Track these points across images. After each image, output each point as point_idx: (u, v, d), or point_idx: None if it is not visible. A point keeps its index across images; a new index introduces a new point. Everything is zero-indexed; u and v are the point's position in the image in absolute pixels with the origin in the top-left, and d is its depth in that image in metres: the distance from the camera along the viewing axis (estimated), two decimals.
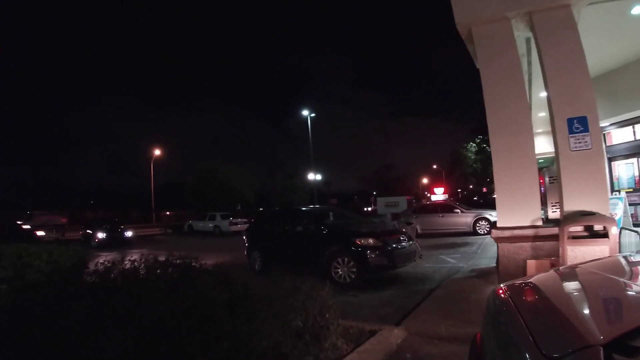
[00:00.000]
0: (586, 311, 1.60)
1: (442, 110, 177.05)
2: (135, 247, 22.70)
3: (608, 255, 5.67)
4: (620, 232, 7.46)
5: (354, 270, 8.94)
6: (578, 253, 5.78)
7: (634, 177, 15.40)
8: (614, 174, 16.18)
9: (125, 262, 4.72)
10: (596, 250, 5.67)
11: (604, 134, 15.95)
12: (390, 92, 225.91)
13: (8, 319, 3.08)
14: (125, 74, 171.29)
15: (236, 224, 33.21)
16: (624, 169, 15.92)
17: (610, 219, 5.95)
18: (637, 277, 2.12)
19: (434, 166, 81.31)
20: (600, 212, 6.24)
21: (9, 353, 2.63)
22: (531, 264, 6.72)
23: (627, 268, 2.34)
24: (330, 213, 11.33)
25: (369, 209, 53.95)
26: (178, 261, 4.68)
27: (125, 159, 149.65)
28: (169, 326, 2.89)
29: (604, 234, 5.76)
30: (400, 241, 9.59)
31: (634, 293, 1.74)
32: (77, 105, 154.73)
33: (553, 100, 7.04)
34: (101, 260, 4.94)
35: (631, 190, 15.20)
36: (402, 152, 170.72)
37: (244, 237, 12.62)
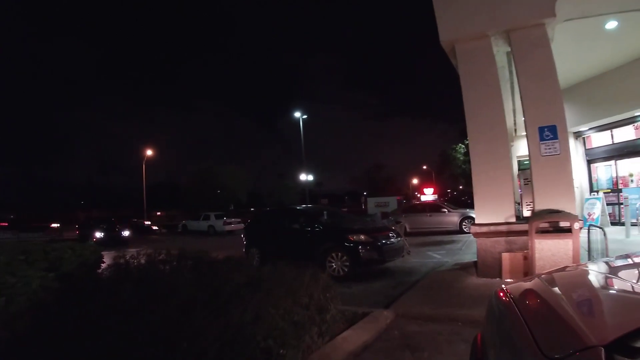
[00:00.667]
0: (587, 312, 1.63)
1: (432, 111, 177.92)
2: (133, 246, 23.15)
3: (571, 248, 6.49)
4: (589, 229, 8.30)
5: (347, 264, 9.69)
6: (545, 246, 6.59)
7: (612, 178, 16.27)
8: (593, 176, 17.08)
9: (141, 256, 5.40)
10: (560, 243, 6.48)
11: (584, 138, 16.91)
12: (381, 92, 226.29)
13: (78, 297, 3.78)
14: (116, 72, 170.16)
15: (230, 223, 33.95)
16: (603, 171, 16.80)
17: (574, 216, 6.75)
18: (639, 277, 2.12)
19: (424, 167, 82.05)
20: (567, 210, 7.05)
21: (81, 320, 3.30)
22: (506, 256, 7.54)
23: (627, 269, 2.35)
24: (324, 212, 12.08)
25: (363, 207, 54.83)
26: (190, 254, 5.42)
27: (115, 158, 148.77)
28: (202, 300, 3.60)
29: (568, 229, 6.55)
30: (389, 237, 10.40)
31: (635, 294, 1.75)
32: (67, 103, 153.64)
33: (526, 110, 7.88)
34: (116, 255, 5.59)
35: (609, 191, 16.09)
36: (393, 152, 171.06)
37: (242, 236, 13.25)
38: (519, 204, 9.16)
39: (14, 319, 3.21)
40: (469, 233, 18.41)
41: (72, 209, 66.11)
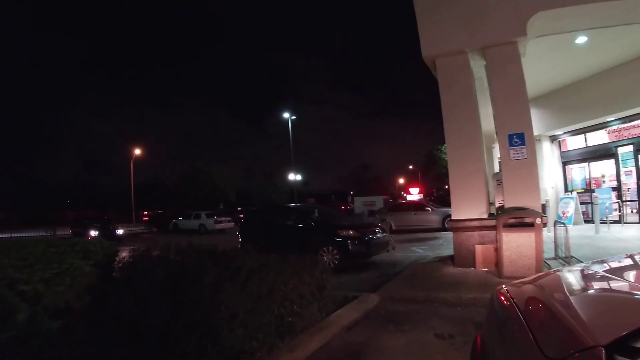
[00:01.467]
0: (588, 312, 1.60)
1: (418, 111, 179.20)
2: (128, 244, 23.72)
3: (534, 240, 7.45)
4: (555, 225, 9.30)
5: (337, 257, 10.59)
6: (511, 239, 7.56)
7: (585, 179, 17.36)
8: (568, 177, 18.19)
9: (154, 249, 6.25)
10: (525, 236, 7.46)
11: (559, 141, 18.00)
12: (369, 92, 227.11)
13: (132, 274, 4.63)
14: (102, 69, 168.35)
15: (221, 222, 34.78)
16: (577, 172, 17.91)
17: (536, 213, 7.71)
18: (638, 278, 2.12)
19: (410, 166, 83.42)
20: (532, 207, 8.02)
21: (136, 294, 4.11)
22: (479, 248, 8.53)
23: (626, 270, 2.36)
24: (316, 209, 13.00)
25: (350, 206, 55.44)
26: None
27: (100, 157, 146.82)
28: (227, 278, 4.47)
29: (531, 224, 7.51)
30: (375, 233, 11.35)
31: (634, 294, 1.76)
32: (52, 101, 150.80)
33: (497, 119, 8.89)
34: (131, 248, 6.38)
35: (582, 190, 17.21)
36: (380, 152, 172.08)
37: (238, 233, 14.05)
38: (492, 203, 10.13)
39: (80, 294, 4.01)
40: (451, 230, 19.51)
41: (59, 208, 65.47)
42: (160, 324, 3.38)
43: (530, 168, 8.63)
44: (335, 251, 10.65)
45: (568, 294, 2.01)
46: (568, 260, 8.25)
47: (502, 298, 2.05)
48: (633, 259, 2.44)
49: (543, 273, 2.52)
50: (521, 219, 7.62)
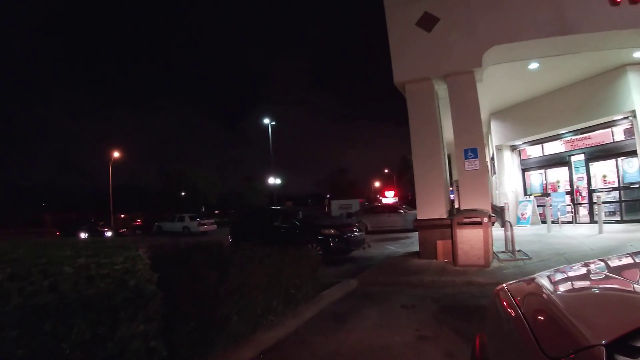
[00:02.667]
0: (588, 311, 1.61)
1: (393, 116, 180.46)
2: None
3: (482, 235, 9.18)
4: (505, 224, 11.07)
5: (320, 252, 11.86)
6: (464, 234, 9.31)
7: (542, 184, 19.33)
8: (527, 182, 20.18)
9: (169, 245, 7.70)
10: (474, 232, 9.20)
11: (519, 150, 19.97)
12: (344, 96, 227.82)
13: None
14: (75, 68, 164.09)
15: (204, 224, 35.82)
16: (535, 178, 19.91)
17: (485, 213, 9.45)
18: (639, 276, 2.08)
19: (386, 170, 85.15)
20: (482, 209, 9.76)
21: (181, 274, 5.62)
22: (439, 243, 10.29)
23: (628, 268, 2.35)
24: (300, 211, 14.64)
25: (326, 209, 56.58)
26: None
27: (74, 158, 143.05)
28: (239, 264, 6.03)
29: (480, 222, 9.25)
30: (353, 232, 13.04)
31: (636, 292, 1.75)
32: (21, 100, 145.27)
33: (455, 136, 10.67)
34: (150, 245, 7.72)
35: (539, 194, 19.17)
36: (356, 156, 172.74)
37: (229, 233, 15.44)
38: (453, 206, 12.03)
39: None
40: None
41: (35, 210, 64.68)
42: (210, 291, 4.92)
43: (481, 177, 10.46)
44: (318, 247, 12.03)
45: (569, 293, 2.06)
46: (514, 253, 9.94)
47: (503, 297, 2.04)
48: (633, 258, 2.43)
49: (544, 272, 2.40)
50: (472, 218, 9.36)
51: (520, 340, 1.54)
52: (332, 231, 12.48)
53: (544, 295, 1.89)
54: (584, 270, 2.39)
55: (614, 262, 2.44)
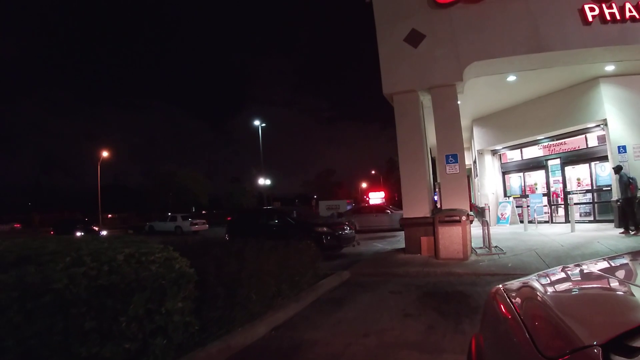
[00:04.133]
0: (585, 311, 1.61)
1: (380, 117, 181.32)
2: None
3: (461, 232, 10.22)
4: (483, 223, 12.12)
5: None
6: (445, 231, 10.37)
7: (521, 186, 20.49)
8: (507, 184, 21.36)
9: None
10: (453, 229, 10.27)
11: (500, 154, 21.12)
12: (331, 97, 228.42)
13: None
14: (59, 65, 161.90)
15: (196, 224, 36.40)
16: (515, 180, 21.08)
17: (463, 212, 10.50)
18: (636, 276, 2.13)
19: (373, 171, 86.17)
20: (461, 208, 10.80)
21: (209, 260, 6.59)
22: (423, 239, 11.34)
23: (623, 268, 2.36)
24: (294, 211, 15.64)
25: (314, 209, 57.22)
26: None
27: (60, 158, 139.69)
28: (254, 253, 6.99)
29: (459, 220, 10.32)
30: (344, 229, 14.02)
31: (632, 293, 1.73)
32: (5, 97, 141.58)
33: (438, 142, 11.78)
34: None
35: (518, 196, 20.36)
36: (343, 157, 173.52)
37: (226, 232, 16.26)
38: (435, 206, 13.17)
39: None
40: None
41: (21, 210, 63.94)
42: (232, 275, 5.88)
43: (461, 180, 11.56)
44: (312, 244, 13.02)
45: (565, 294, 2.06)
46: (490, 249, 11.04)
47: (499, 297, 2.02)
48: (629, 259, 2.45)
49: (541, 272, 2.43)
50: (452, 217, 10.42)
51: (517, 340, 1.52)
52: (325, 229, 13.42)
53: (540, 296, 1.89)
54: (579, 271, 2.39)
55: (609, 263, 2.44)
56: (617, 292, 1.87)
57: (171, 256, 4.85)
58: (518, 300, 1.87)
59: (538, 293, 1.94)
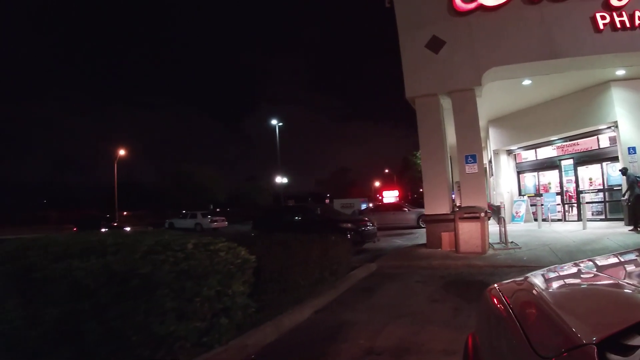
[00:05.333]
0: (580, 310, 1.58)
1: (393, 115, 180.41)
2: None
3: (480, 228, 10.90)
4: (500, 220, 12.79)
5: None
6: (465, 227, 11.06)
7: (535, 185, 21.03)
8: (521, 183, 21.88)
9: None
10: (473, 225, 10.95)
11: (515, 154, 21.69)
12: (346, 95, 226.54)
13: None
14: (73, 65, 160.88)
15: (215, 221, 37.25)
16: (529, 180, 21.59)
17: (482, 209, 11.19)
18: (631, 275, 2.04)
19: (386, 170, 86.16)
20: (479, 206, 11.51)
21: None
22: (444, 234, 12.07)
23: (618, 266, 2.37)
24: (319, 208, 16.38)
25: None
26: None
27: (74, 156, 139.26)
28: (300, 243, 7.71)
29: (477, 217, 11.00)
30: (367, 225, 14.77)
31: (627, 291, 1.73)
32: (19, 97, 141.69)
33: (458, 143, 12.52)
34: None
35: (533, 195, 20.82)
36: (357, 155, 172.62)
37: (252, 228, 17.04)
38: (453, 203, 13.93)
39: None
40: (424, 228, 22.68)
41: (38, 208, 63.21)
42: (283, 263, 6.63)
43: (479, 179, 12.33)
44: (344, 237, 13.60)
45: (560, 292, 2.05)
46: (507, 244, 11.74)
47: (494, 296, 2.00)
48: (624, 258, 2.46)
49: (536, 271, 2.40)
50: (471, 214, 11.13)
51: (512, 339, 1.52)
52: (349, 225, 14.18)
53: (535, 294, 1.85)
54: (575, 270, 2.37)
55: (605, 261, 2.45)
56: (613, 290, 1.84)
57: (232, 245, 5.42)
58: (513, 298, 1.87)
59: (532, 291, 1.91)
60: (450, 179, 14.37)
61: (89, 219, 35.00)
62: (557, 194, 19.46)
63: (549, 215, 18.35)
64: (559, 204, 19.30)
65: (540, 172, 20.96)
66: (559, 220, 18.77)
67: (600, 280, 2.09)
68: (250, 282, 5.36)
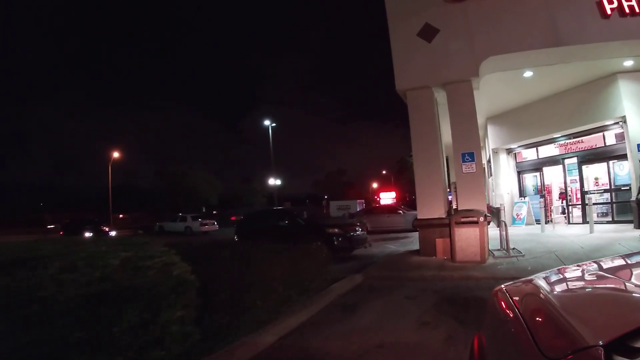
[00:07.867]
0: (586, 312, 1.59)
1: (390, 117, 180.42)
2: None
3: (478, 233, 9.83)
4: (500, 224, 11.72)
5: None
6: (462, 233, 9.97)
7: (537, 186, 19.99)
8: (522, 184, 20.83)
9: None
10: (470, 231, 9.87)
11: (515, 153, 20.67)
12: (344, 97, 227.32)
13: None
14: (72, 67, 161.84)
15: (206, 224, 36.28)
16: (530, 180, 20.58)
17: (481, 213, 10.12)
18: (638, 277, 1.99)
19: (384, 171, 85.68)
20: (478, 209, 10.41)
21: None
22: (439, 241, 10.95)
23: (624, 269, 2.30)
24: (304, 212, 15.30)
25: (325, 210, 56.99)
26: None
27: (71, 158, 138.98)
28: (261, 258, 6.70)
29: (476, 222, 9.92)
30: (356, 230, 13.65)
31: (634, 293, 1.74)
32: (18, 100, 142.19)
33: (454, 140, 11.38)
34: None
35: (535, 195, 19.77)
36: (353, 156, 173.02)
37: (235, 233, 15.96)
38: (450, 206, 12.79)
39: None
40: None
41: (33, 210, 63.56)
42: (237, 281, 5.59)
43: (478, 179, 11.16)
44: (322, 246, 12.72)
45: (567, 294, 2.05)
46: (508, 251, 10.62)
47: (501, 298, 2.03)
48: (631, 260, 2.43)
49: (541, 273, 2.40)
50: (469, 218, 10.03)
51: (519, 341, 1.53)
52: (336, 230, 13.08)
53: (542, 296, 1.86)
54: (581, 272, 2.40)
55: (612, 263, 2.44)
56: (619, 293, 1.85)
57: (171, 261, 4.68)
58: (519, 300, 1.90)
59: (539, 293, 1.93)
60: (446, 180, 13.25)
61: (77, 223, 33.94)
62: (561, 194, 18.58)
63: (553, 217, 17.34)
64: (561, 206, 18.42)
65: (542, 172, 19.93)
66: (563, 222, 17.84)
67: (606, 283, 2.07)
68: (193, 305, 4.47)
